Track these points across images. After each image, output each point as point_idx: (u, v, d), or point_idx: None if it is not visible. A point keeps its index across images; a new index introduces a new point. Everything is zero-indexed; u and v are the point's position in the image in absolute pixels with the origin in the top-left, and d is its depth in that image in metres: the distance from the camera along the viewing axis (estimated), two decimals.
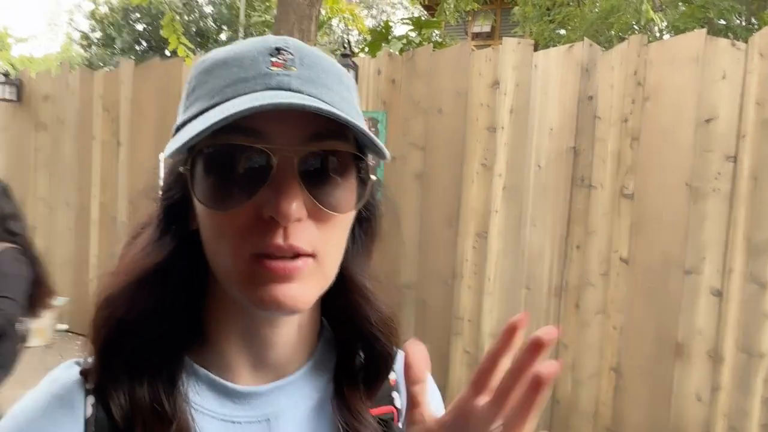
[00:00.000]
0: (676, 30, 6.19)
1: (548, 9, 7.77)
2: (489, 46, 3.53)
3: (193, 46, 6.26)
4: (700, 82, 2.81)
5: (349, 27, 11.29)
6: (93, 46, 14.84)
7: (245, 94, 0.40)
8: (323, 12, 7.80)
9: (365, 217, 0.49)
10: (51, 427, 0.42)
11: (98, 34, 14.74)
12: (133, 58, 10.15)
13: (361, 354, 0.51)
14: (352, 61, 3.57)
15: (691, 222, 2.84)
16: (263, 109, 0.37)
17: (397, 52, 4.67)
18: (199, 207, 0.42)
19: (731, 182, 2.77)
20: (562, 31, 8.29)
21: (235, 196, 0.39)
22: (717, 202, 2.80)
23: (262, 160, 0.39)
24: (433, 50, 3.41)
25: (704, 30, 2.84)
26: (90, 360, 0.45)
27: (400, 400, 0.54)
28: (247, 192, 0.39)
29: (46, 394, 0.44)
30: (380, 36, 6.15)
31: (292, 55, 0.42)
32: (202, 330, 0.46)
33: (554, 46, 3.36)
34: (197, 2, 14.17)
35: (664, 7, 6.66)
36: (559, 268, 3.09)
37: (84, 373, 0.44)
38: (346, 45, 3.86)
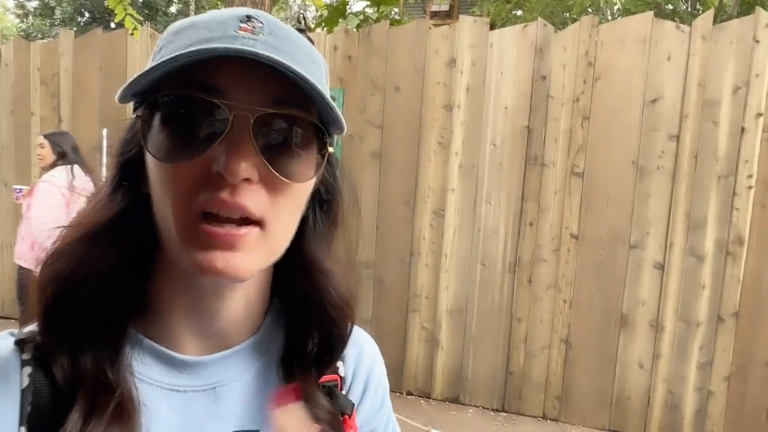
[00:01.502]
0: (627, 13, 6.37)
1: None
2: (447, 25, 3.52)
3: (141, 18, 5.96)
4: (647, 63, 2.90)
5: (306, 2, 11.01)
6: (30, 16, 13.89)
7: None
8: None
9: (326, 199, 0.48)
10: None
11: (35, 3, 13.79)
12: (75, 29, 9.57)
13: (315, 334, 0.50)
14: (308, 37, 3.49)
15: (637, 199, 2.97)
16: (216, 53, 0.36)
17: (354, 29, 4.60)
18: (150, 161, 0.41)
19: (674, 160, 2.90)
20: (519, 12, 8.38)
21: (186, 149, 0.39)
22: (661, 180, 2.93)
23: (219, 116, 0.38)
24: (391, 26, 3.37)
25: (651, 12, 2.93)
26: (27, 330, 0.43)
27: (343, 368, 0.55)
28: (199, 147, 0.38)
29: None
30: (337, 12, 6.03)
31: (261, 23, 0.41)
32: (146, 300, 0.46)
33: (510, 26, 3.38)
34: None
35: None
36: (513, 245, 3.17)
37: (20, 343, 0.43)
38: (302, 20, 3.76)
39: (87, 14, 13.32)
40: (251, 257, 0.41)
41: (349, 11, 6.50)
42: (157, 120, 0.39)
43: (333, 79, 3.45)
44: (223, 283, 0.44)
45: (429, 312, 3.31)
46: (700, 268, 2.89)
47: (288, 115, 0.40)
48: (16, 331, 0.45)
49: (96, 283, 0.42)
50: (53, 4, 13.05)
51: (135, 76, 0.37)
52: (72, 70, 4.08)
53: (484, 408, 3.25)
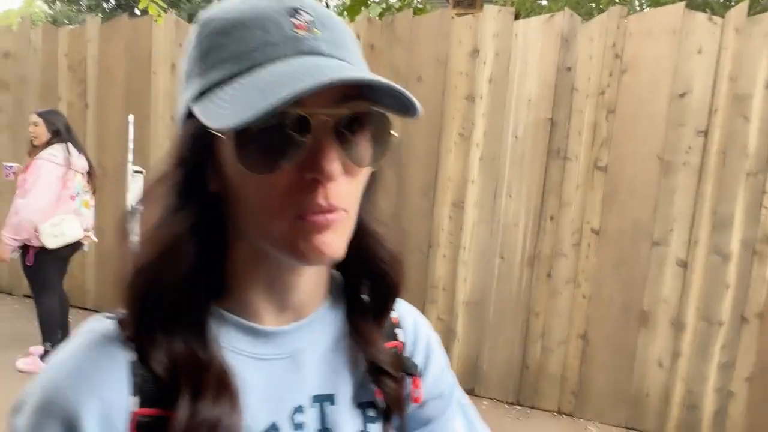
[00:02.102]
0: (656, 4, 6.20)
1: None
2: (471, 14, 3.48)
3: (164, 5, 6.01)
4: (677, 56, 2.83)
5: None
6: (57, 2, 14.10)
7: (278, 58, 0.42)
8: None
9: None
10: (94, 370, 0.43)
11: None
12: (101, 15, 9.68)
13: (369, 291, 0.56)
14: None
15: (661, 195, 2.91)
16: (317, 89, 0.38)
17: (376, 17, 4.57)
18: (235, 171, 0.44)
19: (701, 156, 2.83)
20: (544, 2, 8.21)
21: (276, 159, 0.42)
22: (686, 176, 2.86)
23: (303, 125, 0.41)
24: (414, 15, 3.34)
25: (683, 3, 2.85)
26: (125, 312, 0.47)
27: (403, 335, 0.60)
28: (288, 155, 0.41)
29: (83, 344, 0.45)
30: (359, 0, 5.99)
31: (311, 16, 0.43)
32: (226, 281, 0.49)
33: (535, 15, 3.32)
34: None
35: None
36: (533, 239, 3.14)
37: (120, 323, 0.46)
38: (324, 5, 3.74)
39: (112, 0, 13.47)
40: (340, 237, 0.45)
41: (371, 0, 6.45)
42: (246, 135, 0.41)
43: None
44: (321, 264, 0.48)
45: (446, 304, 3.31)
46: (725, 267, 2.83)
47: (359, 111, 0.44)
48: (109, 314, 0.48)
49: (179, 283, 0.46)
50: None
51: (247, 119, 0.38)
52: (98, 56, 4.13)
53: (498, 401, 3.25)
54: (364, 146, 0.45)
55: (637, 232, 2.96)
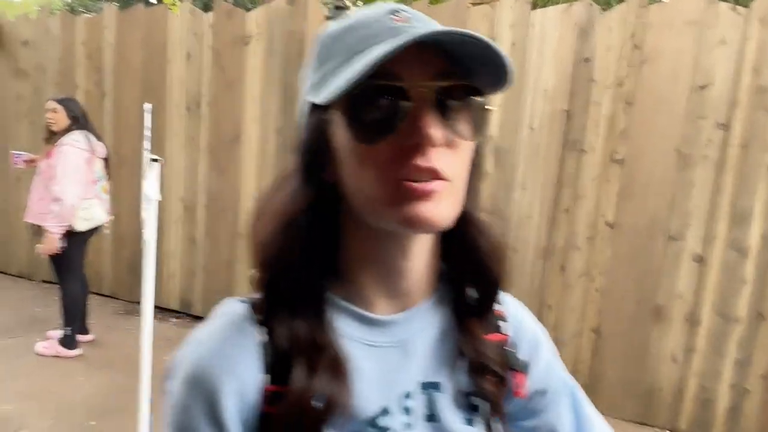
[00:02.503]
0: None
1: None
2: (487, 3, 3.44)
3: None
4: (698, 47, 2.77)
5: None
6: None
7: (377, 44, 0.45)
8: None
9: (473, 153, 0.53)
10: (232, 349, 0.48)
11: None
12: (117, 4, 9.74)
13: (473, 284, 0.57)
14: (347, 15, 3.46)
15: (679, 189, 2.87)
16: (407, 44, 0.42)
17: None
18: (344, 146, 0.47)
19: (720, 150, 2.79)
20: None
21: (380, 130, 0.45)
22: (705, 170, 2.82)
23: (403, 97, 0.45)
24: (429, 5, 3.31)
25: None
26: (255, 297, 0.52)
27: (507, 328, 0.60)
28: (391, 125, 0.45)
29: (222, 324, 0.50)
30: None
31: (409, 14, 0.48)
32: (340, 269, 0.52)
33: (553, 5, 3.28)
34: None
35: None
36: (547, 231, 3.12)
37: (253, 307, 0.51)
38: None
39: None
40: (443, 206, 0.47)
41: None
42: (348, 110, 0.46)
43: None
44: (422, 232, 0.50)
45: None
46: (743, 262, 2.79)
47: (457, 84, 0.46)
48: (241, 298, 0.53)
49: (299, 261, 0.50)
50: None
51: (346, 81, 0.43)
52: (115, 45, 4.17)
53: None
54: (463, 120, 0.47)
55: (653, 226, 2.92)
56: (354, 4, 5.99)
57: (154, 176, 1.85)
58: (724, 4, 2.77)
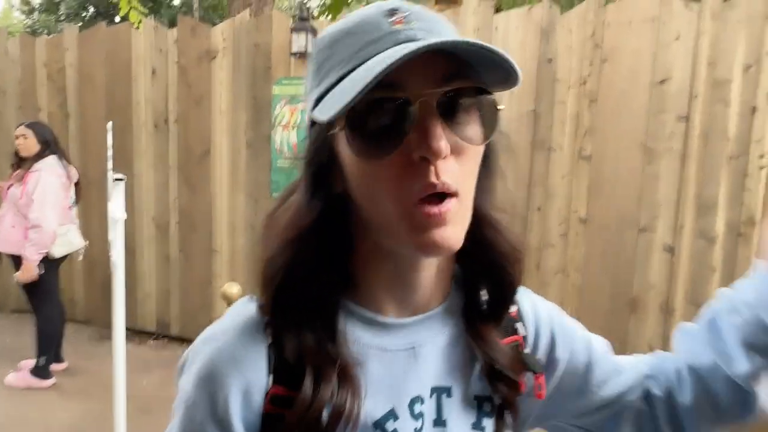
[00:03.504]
0: None
1: None
2: (451, 7, 3.48)
3: (145, 11, 5.95)
4: (656, 44, 2.85)
5: None
6: (35, 12, 13.93)
7: (379, 53, 0.44)
8: None
9: (486, 152, 0.51)
10: (241, 349, 0.49)
11: None
12: (80, 24, 9.58)
13: (487, 286, 0.55)
14: (311, 26, 3.47)
15: (646, 181, 2.93)
16: (405, 58, 0.40)
17: None
18: (351, 162, 0.46)
19: (683, 142, 2.86)
20: None
21: (385, 144, 0.44)
22: (670, 162, 2.89)
23: (406, 108, 0.43)
24: None
25: None
26: (264, 300, 0.51)
27: (523, 328, 0.60)
28: (396, 139, 0.43)
29: (234, 324, 0.51)
30: (340, 1, 5.98)
31: (406, 11, 0.46)
32: (352, 276, 0.52)
33: (516, 8, 3.34)
34: None
35: None
36: (521, 230, 3.15)
37: (262, 310, 0.51)
38: (305, 9, 3.73)
39: (91, 9, 13.32)
40: (458, 227, 0.46)
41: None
42: (352, 126, 0.44)
43: None
44: (436, 257, 0.49)
45: None
46: (711, 250, 2.86)
47: (460, 88, 0.45)
48: (254, 297, 0.52)
49: (308, 273, 0.49)
50: (58, 0, 13.06)
51: (348, 100, 0.41)
52: (78, 65, 4.09)
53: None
54: (471, 124, 0.46)
55: (623, 219, 2.98)
56: (317, 18, 6.02)
57: (119, 196, 1.81)
58: (677, 1, 2.86)
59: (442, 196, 0.44)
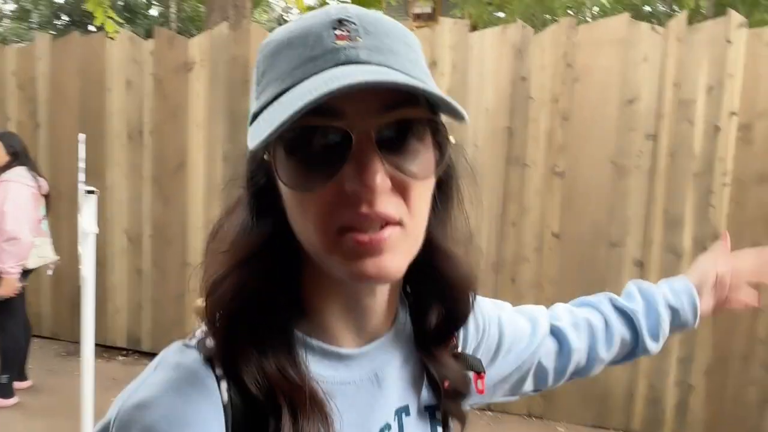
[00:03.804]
0: (606, 15, 6.46)
1: None
2: (427, 26, 3.55)
3: (121, 21, 5.89)
4: (624, 64, 2.95)
5: (289, 5, 10.98)
6: (5, 20, 13.64)
7: (315, 73, 0.40)
8: None
9: (443, 179, 0.49)
10: (193, 415, 0.41)
11: (11, 6, 13.53)
12: (53, 33, 9.42)
13: (436, 313, 0.54)
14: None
15: (616, 197, 3.01)
16: (338, 93, 0.36)
17: None
18: (283, 189, 0.43)
19: (651, 159, 2.95)
20: (502, 14, 8.45)
21: (318, 176, 0.40)
22: (639, 178, 2.98)
23: (341, 138, 0.39)
24: None
25: (627, 14, 2.98)
26: (207, 343, 0.45)
27: (464, 333, 0.61)
28: (330, 170, 0.40)
29: (177, 381, 0.42)
30: None
31: (355, 24, 0.42)
32: (303, 304, 0.48)
33: (490, 27, 3.43)
34: None
35: None
36: (497, 245, 3.19)
37: (209, 359, 0.44)
38: (283, 22, 3.75)
39: (65, 17, 13.11)
40: (398, 256, 0.42)
41: None
42: (283, 153, 0.41)
43: None
44: (375, 285, 0.47)
45: None
46: (679, 264, 2.94)
47: (404, 118, 0.41)
48: (188, 341, 0.46)
49: (261, 299, 0.45)
50: (29, 8, 12.83)
51: (271, 131, 0.38)
52: (49, 74, 4.01)
53: (470, 407, 3.26)
54: (416, 156, 0.42)
55: (595, 234, 3.05)
56: None
57: (90, 209, 1.77)
58: (645, 24, 2.97)
59: (383, 226, 0.41)
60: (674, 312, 0.76)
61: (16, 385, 3.16)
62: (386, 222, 0.41)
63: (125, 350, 3.91)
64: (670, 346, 2.99)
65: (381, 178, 0.39)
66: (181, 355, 0.45)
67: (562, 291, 3.11)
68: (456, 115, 0.42)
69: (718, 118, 2.85)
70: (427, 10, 9.43)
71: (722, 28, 2.84)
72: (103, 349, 3.74)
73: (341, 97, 0.38)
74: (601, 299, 0.77)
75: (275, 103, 0.41)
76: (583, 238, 3.07)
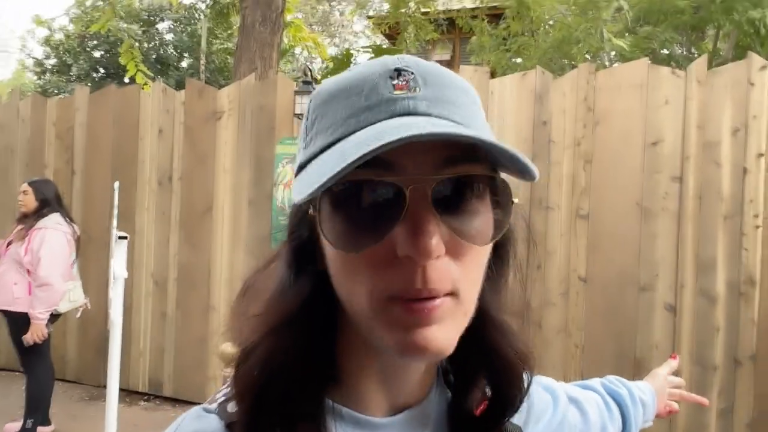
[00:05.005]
0: (623, 59, 6.53)
1: (504, 39, 8.08)
2: None
3: (152, 74, 6.20)
4: (645, 108, 2.96)
5: (312, 55, 11.41)
6: (47, 73, 14.47)
7: (370, 124, 0.38)
8: (286, 40, 7.88)
9: (500, 242, 0.44)
10: None
11: (53, 61, 14.38)
12: (90, 85, 9.94)
13: (486, 392, 0.49)
14: (314, 88, 3.61)
15: (643, 240, 2.95)
16: (398, 144, 0.34)
17: None
18: (328, 248, 0.40)
19: (678, 201, 2.91)
20: (519, 60, 8.62)
21: (367, 235, 0.37)
22: (666, 221, 2.93)
23: (394, 194, 0.36)
24: None
25: (646, 59, 3.01)
26: (228, 408, 0.43)
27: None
28: (381, 230, 0.37)
29: None
30: (342, 63, 6.25)
31: (413, 74, 0.40)
32: (337, 370, 0.45)
33: (511, 73, 3.50)
34: (157, 30, 14.05)
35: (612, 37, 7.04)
36: (521, 289, 3.13)
37: (230, 427, 0.42)
38: (308, 72, 3.90)
39: (102, 70, 13.86)
40: (449, 327, 0.39)
41: (354, 62, 6.74)
42: (330, 208, 0.38)
43: None
44: (419, 361, 0.43)
45: None
46: (713, 309, 2.84)
47: (464, 175, 0.38)
48: (208, 406, 0.44)
49: (291, 367, 0.42)
50: (70, 62, 13.61)
51: (319, 184, 0.35)
52: (86, 124, 4.21)
53: None
54: (475, 218, 0.38)
55: (623, 278, 2.98)
56: (319, 81, 6.25)
57: (121, 254, 1.82)
58: (665, 69, 3.00)
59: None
60: (644, 406, 0.79)
61: (40, 429, 3.16)
62: (438, 294, 0.38)
63: (147, 395, 3.89)
64: (708, 398, 2.84)
65: (436, 242, 0.36)
66: (199, 422, 0.42)
67: (590, 337, 3.02)
68: (524, 172, 0.39)
69: (746, 160, 2.81)
70: (446, 57, 9.70)
71: (744, 70, 2.84)
72: (126, 393, 3.73)
73: (397, 151, 0.35)
74: (595, 382, 0.77)
75: (325, 154, 0.39)
76: (611, 282, 3.00)
